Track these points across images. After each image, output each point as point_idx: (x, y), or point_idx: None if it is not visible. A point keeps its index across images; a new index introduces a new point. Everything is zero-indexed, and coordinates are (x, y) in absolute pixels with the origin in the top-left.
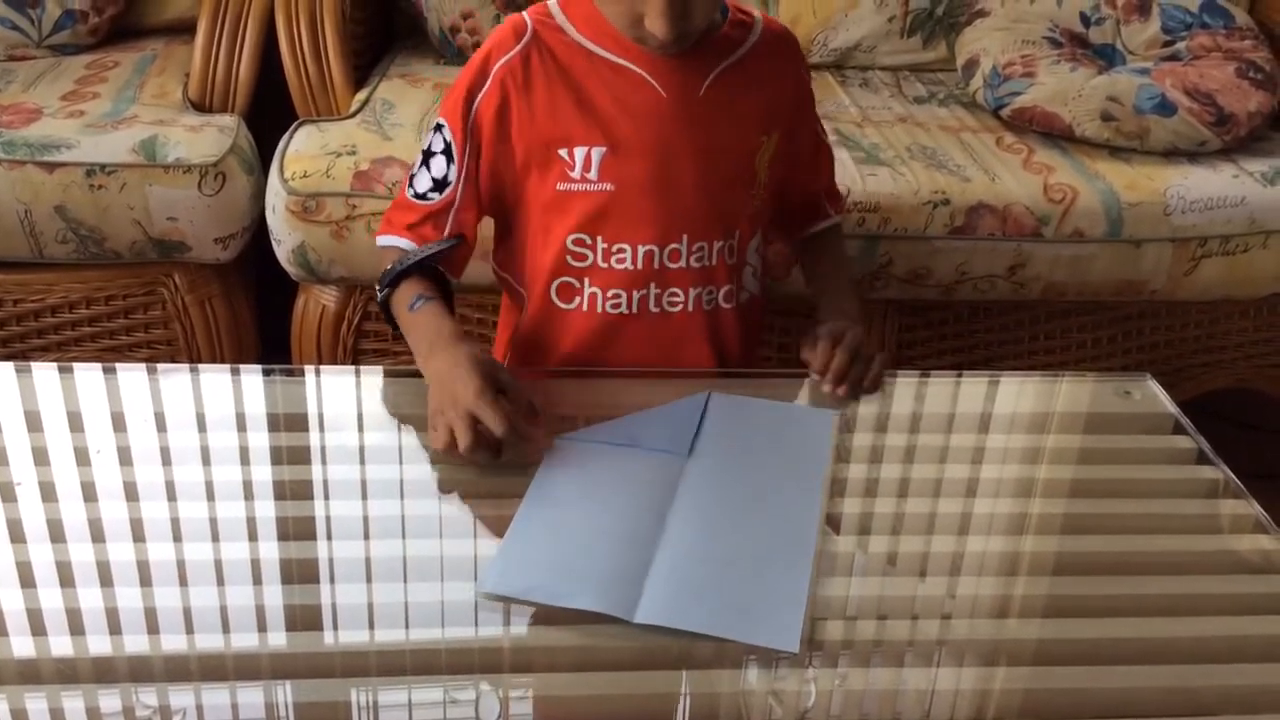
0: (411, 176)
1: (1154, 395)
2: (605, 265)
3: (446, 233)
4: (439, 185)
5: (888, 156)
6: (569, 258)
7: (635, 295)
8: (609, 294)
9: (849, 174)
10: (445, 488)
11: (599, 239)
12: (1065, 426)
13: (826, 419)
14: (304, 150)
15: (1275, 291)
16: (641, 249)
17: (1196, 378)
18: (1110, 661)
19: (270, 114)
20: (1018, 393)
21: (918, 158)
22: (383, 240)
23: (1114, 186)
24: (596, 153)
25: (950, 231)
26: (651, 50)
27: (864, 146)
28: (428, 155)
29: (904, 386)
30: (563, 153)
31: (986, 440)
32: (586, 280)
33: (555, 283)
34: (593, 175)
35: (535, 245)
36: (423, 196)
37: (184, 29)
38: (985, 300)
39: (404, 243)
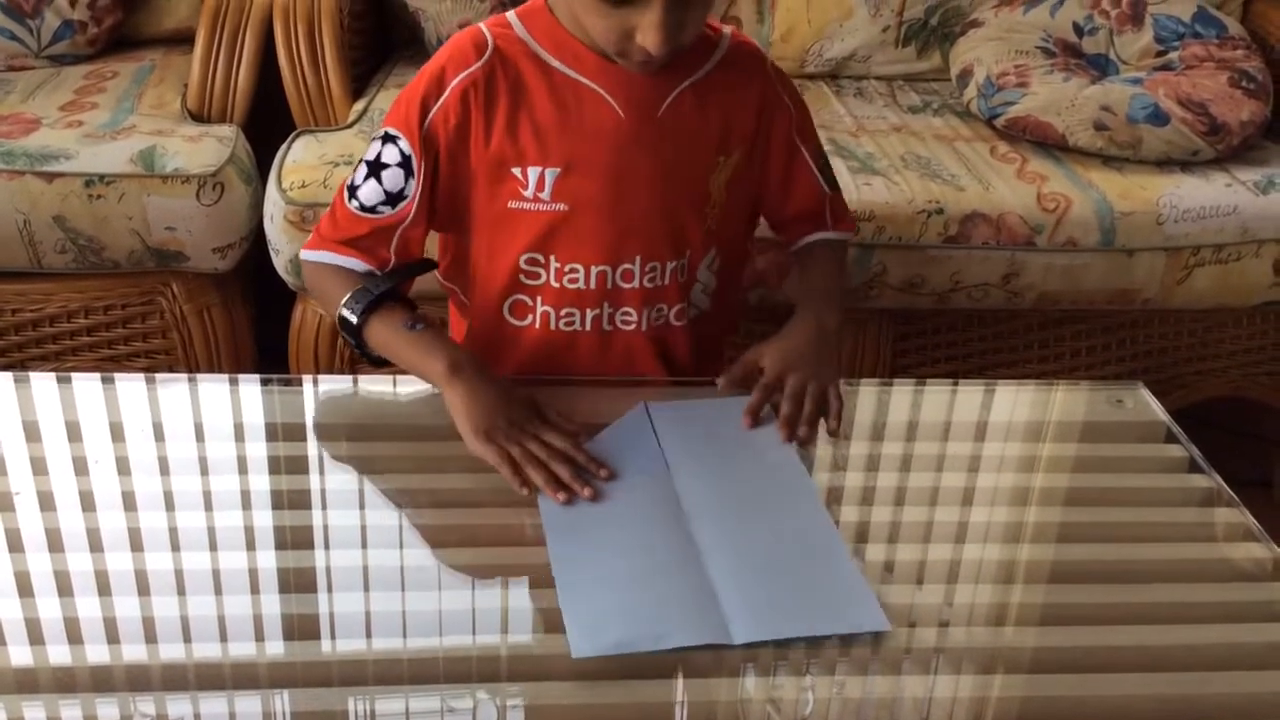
0: (352, 187)
1: (1146, 404)
2: (558, 285)
3: (394, 250)
4: (391, 199)
5: (882, 166)
6: (521, 276)
7: (588, 314)
8: (562, 312)
9: (844, 183)
10: (442, 498)
11: (551, 258)
12: (1058, 435)
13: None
14: (302, 160)
15: (1267, 300)
16: (594, 269)
17: (1189, 386)
18: (1104, 669)
19: (268, 124)
20: (1012, 401)
21: (912, 167)
22: (317, 256)
23: (1107, 196)
24: (550, 173)
25: (944, 240)
26: (629, 67)
27: (859, 156)
28: (377, 166)
29: (899, 395)
30: (516, 171)
31: (981, 449)
32: (539, 298)
33: (508, 300)
34: (545, 195)
35: (485, 261)
36: (371, 210)
37: (182, 39)
38: (979, 309)
39: (351, 262)
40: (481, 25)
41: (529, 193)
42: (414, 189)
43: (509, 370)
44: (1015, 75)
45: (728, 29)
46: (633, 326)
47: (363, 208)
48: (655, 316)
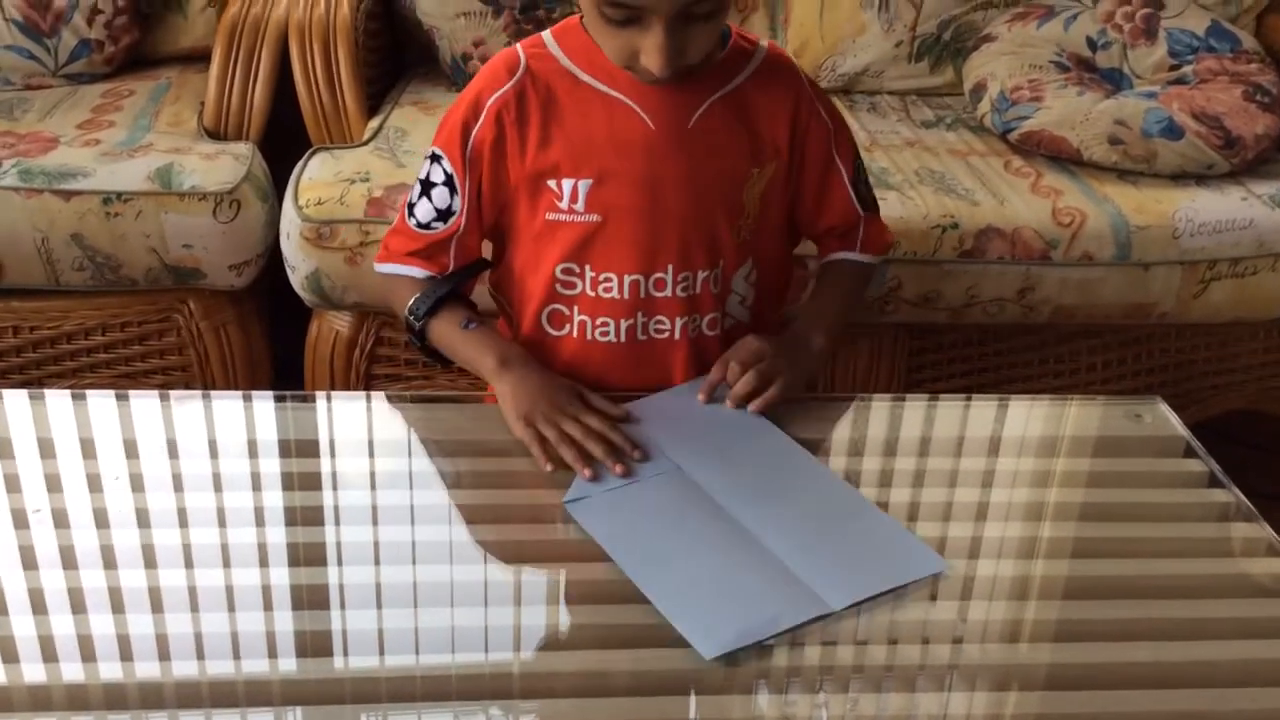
0: (410, 205)
1: (1165, 418)
2: (593, 294)
3: (453, 255)
4: (443, 215)
5: (896, 180)
6: (558, 286)
7: (623, 324)
8: (598, 322)
9: None
10: (457, 514)
11: (587, 268)
12: (1075, 450)
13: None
14: (318, 177)
15: None
16: (628, 279)
17: (1207, 400)
18: (1122, 686)
19: (284, 142)
20: (1027, 416)
21: (926, 182)
22: (387, 269)
23: (1122, 209)
24: (584, 185)
25: (959, 255)
26: (644, 81)
27: (873, 170)
28: (427, 185)
29: (913, 410)
30: (551, 183)
31: (996, 464)
32: (575, 308)
33: (546, 310)
34: (579, 206)
35: (527, 272)
36: (426, 226)
37: (199, 58)
38: (995, 323)
39: (414, 270)
40: (517, 46)
41: (564, 204)
42: (460, 204)
43: None
44: (1029, 90)
45: (765, 42)
46: (666, 335)
47: (419, 224)
48: (690, 326)
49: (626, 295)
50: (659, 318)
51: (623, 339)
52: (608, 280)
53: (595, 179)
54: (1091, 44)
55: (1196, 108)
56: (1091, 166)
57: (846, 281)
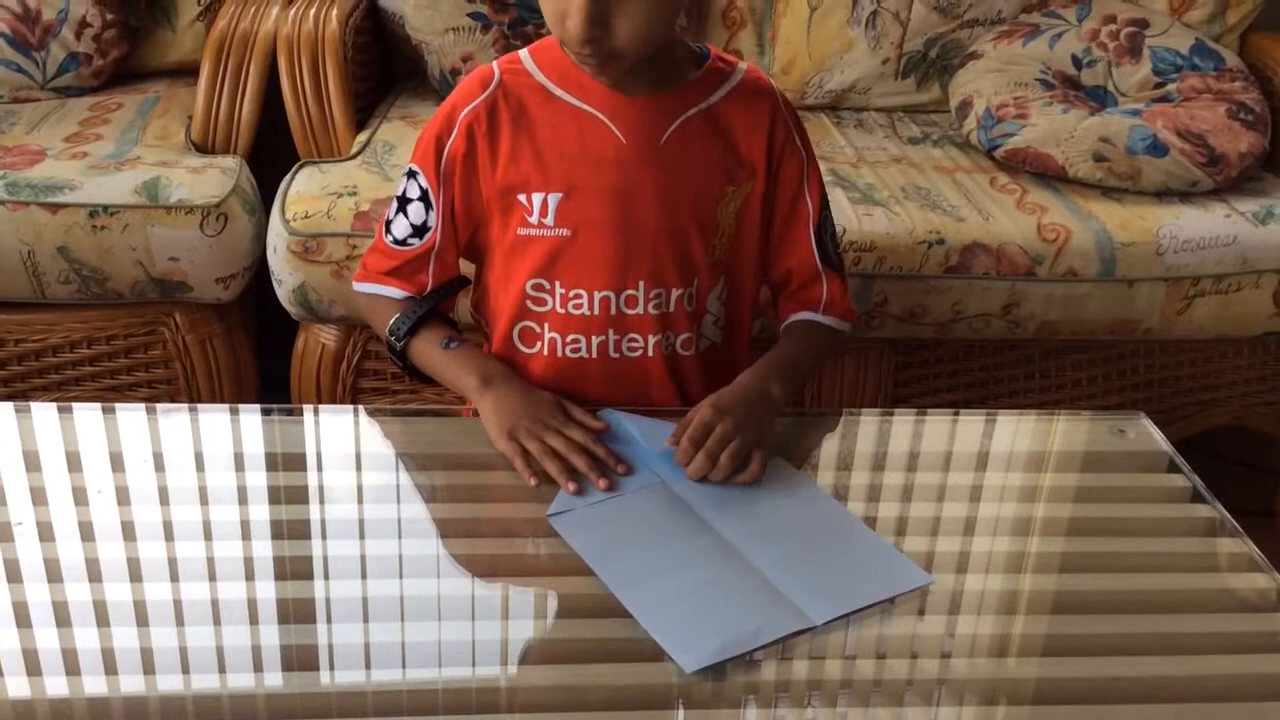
0: (388, 222)
1: (1148, 434)
2: (563, 311)
3: (431, 273)
4: (418, 231)
5: (883, 196)
6: (528, 302)
7: (594, 340)
8: (568, 339)
9: (845, 214)
10: (444, 528)
11: (557, 284)
12: (1060, 465)
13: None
14: (305, 191)
15: (1268, 330)
16: (598, 295)
17: (1192, 416)
18: (1107, 700)
19: (272, 155)
20: (1013, 432)
21: (912, 198)
22: (365, 288)
23: (1107, 226)
24: (553, 198)
25: (945, 271)
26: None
27: (859, 187)
28: (404, 201)
29: (901, 425)
30: (521, 198)
31: (983, 479)
32: (546, 325)
33: (517, 327)
34: (549, 220)
35: (498, 290)
36: (402, 242)
37: (187, 72)
38: (980, 339)
39: (392, 291)
40: (494, 63)
41: (534, 218)
42: (435, 219)
43: None
44: (1014, 107)
45: (743, 64)
46: (640, 353)
47: (396, 241)
48: (665, 344)
49: (597, 311)
50: (632, 335)
51: (594, 355)
52: (578, 297)
53: (565, 192)
54: (1076, 62)
55: (1181, 125)
56: (1076, 183)
57: (807, 339)
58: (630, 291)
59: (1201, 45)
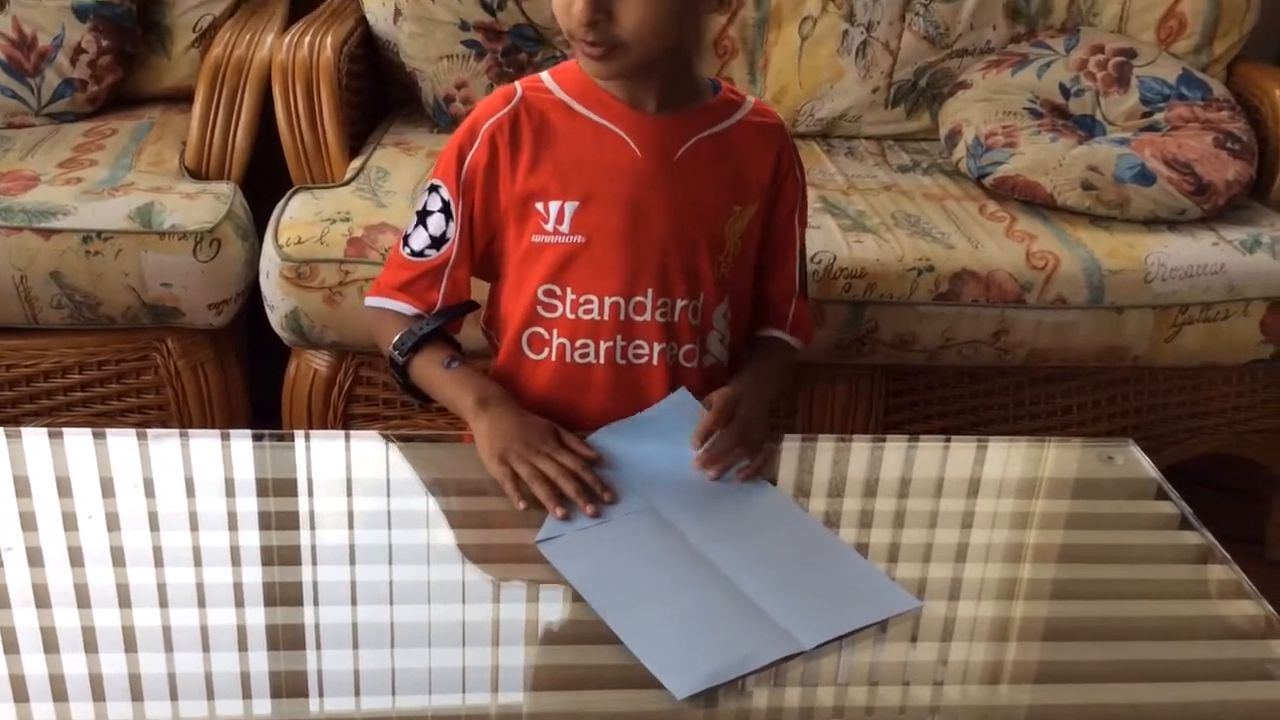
0: (406, 237)
1: (1137, 461)
2: (573, 316)
3: (442, 291)
4: (436, 242)
5: (873, 224)
6: (539, 308)
7: (602, 346)
8: (577, 344)
9: (835, 241)
10: (434, 553)
11: (568, 290)
12: (1049, 492)
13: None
14: (299, 217)
15: (1256, 358)
16: (608, 300)
17: (1180, 443)
18: None
19: (266, 181)
20: (1003, 458)
21: (902, 225)
22: (375, 302)
23: (1095, 254)
24: (570, 206)
25: (935, 298)
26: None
27: (850, 214)
28: (424, 215)
29: (893, 451)
30: (539, 205)
31: (974, 505)
32: (555, 331)
33: (526, 333)
34: (565, 227)
35: (509, 296)
36: (419, 254)
37: (182, 97)
38: (970, 365)
39: (402, 306)
40: (516, 82)
41: (549, 225)
42: (454, 230)
43: (527, 405)
44: (1003, 135)
45: (751, 98)
46: (645, 360)
47: (413, 253)
48: (669, 354)
49: (607, 316)
50: (638, 342)
51: (602, 361)
52: (588, 302)
53: (581, 200)
54: (1065, 91)
55: (1168, 154)
56: (1065, 211)
57: (778, 361)
58: (639, 298)
59: (1189, 75)
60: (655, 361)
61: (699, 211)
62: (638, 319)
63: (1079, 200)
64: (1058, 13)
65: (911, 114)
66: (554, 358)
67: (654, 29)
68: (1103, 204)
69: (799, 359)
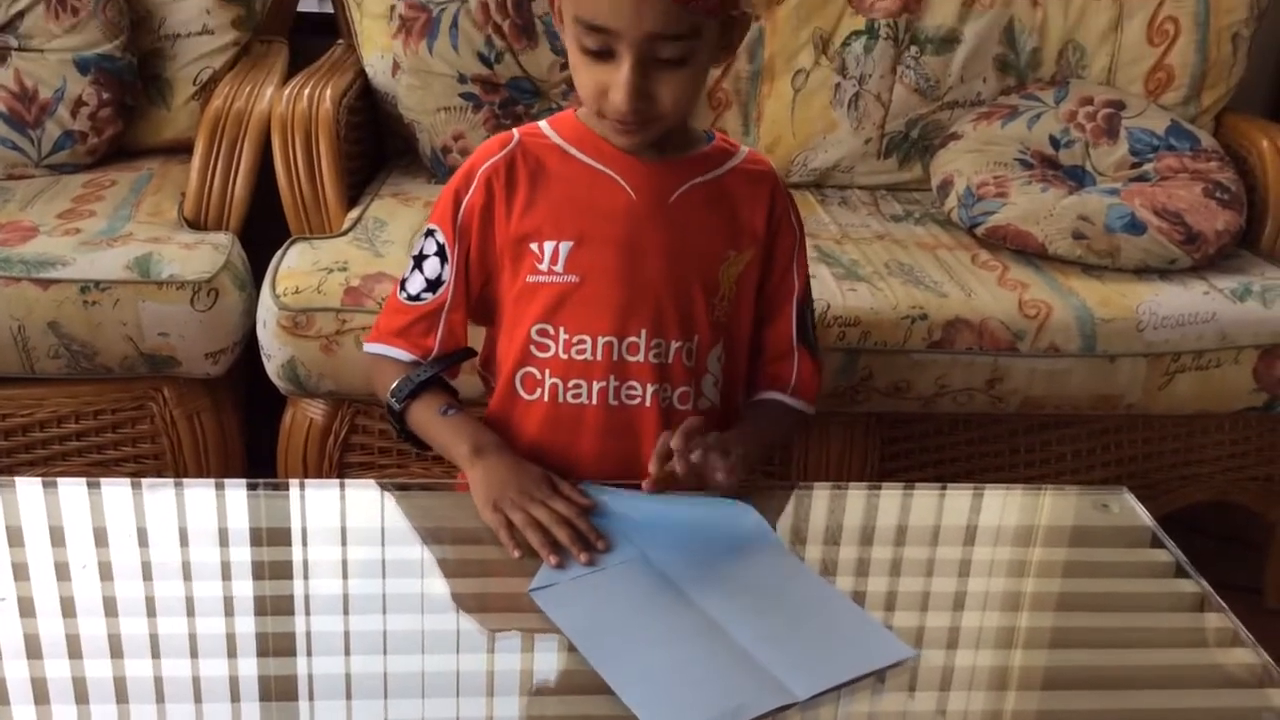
0: (403, 281)
1: (1131, 509)
2: (565, 356)
3: (439, 335)
4: (432, 285)
5: (866, 272)
6: (532, 348)
7: (595, 386)
8: (569, 384)
9: (829, 290)
10: (429, 603)
11: (561, 329)
12: (1045, 540)
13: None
14: (296, 267)
15: (1249, 405)
16: (601, 340)
17: (1175, 491)
18: None
19: (264, 231)
20: (999, 506)
21: (896, 274)
22: (373, 348)
23: (1087, 302)
24: (564, 246)
25: (929, 345)
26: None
27: (843, 263)
28: (420, 259)
29: (889, 499)
30: (533, 246)
31: (970, 553)
32: (547, 371)
33: (519, 373)
34: (559, 267)
35: (504, 337)
36: (415, 298)
37: (181, 149)
38: (965, 413)
39: (399, 353)
40: (513, 129)
41: (544, 265)
42: (450, 274)
43: (520, 446)
44: (994, 186)
45: (744, 148)
46: (638, 402)
47: (409, 297)
48: (662, 395)
49: (600, 357)
50: (631, 383)
51: (594, 401)
52: (581, 342)
53: (575, 240)
54: (1055, 142)
55: (1158, 204)
56: (1056, 260)
57: (777, 417)
58: (632, 338)
59: (1177, 126)
60: (648, 403)
61: (693, 254)
62: (631, 359)
63: (1070, 249)
64: (1047, 65)
65: (904, 164)
66: (546, 398)
67: (690, 101)
68: (1094, 253)
69: (803, 422)
